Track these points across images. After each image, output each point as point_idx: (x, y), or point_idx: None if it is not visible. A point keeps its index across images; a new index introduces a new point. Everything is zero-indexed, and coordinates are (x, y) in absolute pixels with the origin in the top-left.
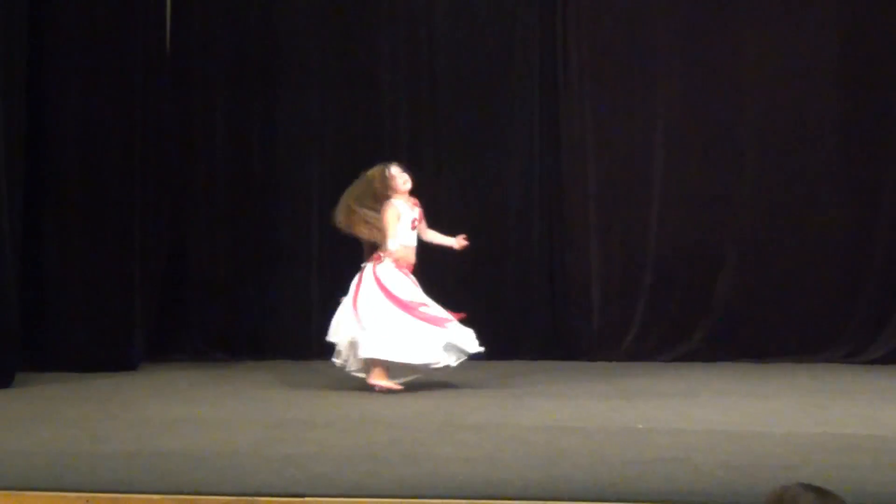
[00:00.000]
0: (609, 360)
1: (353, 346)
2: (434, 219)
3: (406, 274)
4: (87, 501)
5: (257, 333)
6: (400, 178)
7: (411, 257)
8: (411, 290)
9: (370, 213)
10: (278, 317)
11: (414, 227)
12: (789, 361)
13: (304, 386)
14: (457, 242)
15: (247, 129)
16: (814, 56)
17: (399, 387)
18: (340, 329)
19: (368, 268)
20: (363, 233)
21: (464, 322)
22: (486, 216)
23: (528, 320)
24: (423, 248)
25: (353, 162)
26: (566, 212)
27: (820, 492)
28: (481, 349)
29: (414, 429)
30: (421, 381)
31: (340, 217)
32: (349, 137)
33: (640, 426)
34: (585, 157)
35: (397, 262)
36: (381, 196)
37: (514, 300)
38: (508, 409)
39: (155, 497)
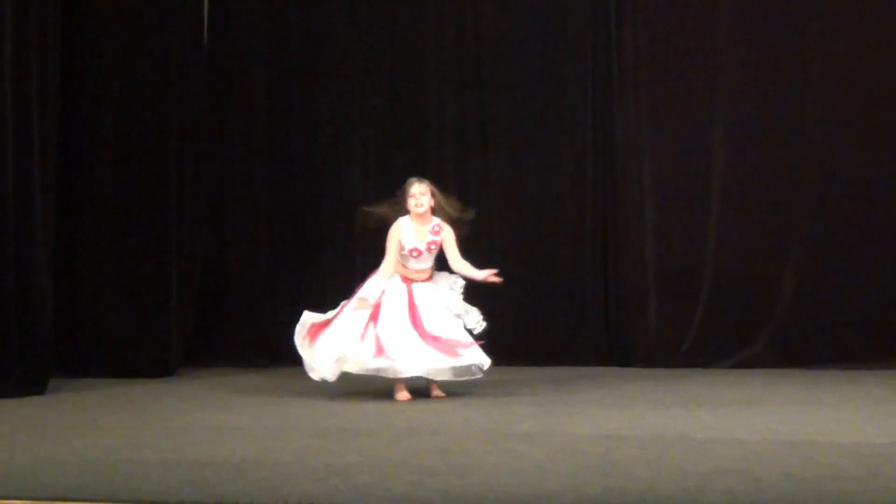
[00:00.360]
0: (666, 366)
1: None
2: (483, 223)
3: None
4: None
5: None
6: (413, 199)
7: (408, 274)
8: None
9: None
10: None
11: (416, 257)
12: (856, 368)
13: (347, 393)
14: (486, 276)
15: (287, 127)
16: (885, 49)
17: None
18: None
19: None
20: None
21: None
22: (537, 218)
23: (582, 324)
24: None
25: (397, 163)
26: (621, 212)
27: None
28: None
29: (461, 438)
30: (467, 388)
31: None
32: (393, 137)
33: (699, 436)
34: (641, 154)
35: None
36: (397, 210)
37: (567, 304)
38: (560, 417)
39: None
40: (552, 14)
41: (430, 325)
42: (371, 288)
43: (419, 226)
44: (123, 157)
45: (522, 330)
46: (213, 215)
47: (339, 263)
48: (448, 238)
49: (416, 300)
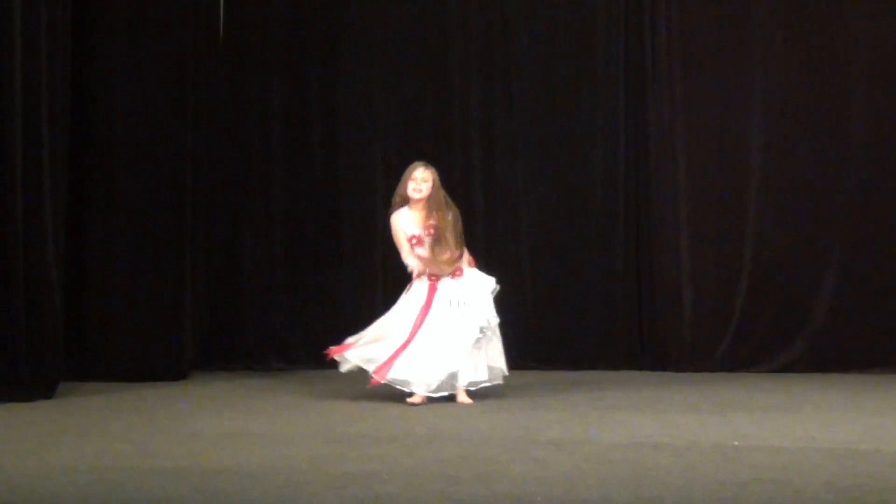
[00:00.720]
0: (701, 370)
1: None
2: (510, 219)
3: (430, 290)
4: None
5: (317, 340)
6: (413, 182)
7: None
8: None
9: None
10: (340, 322)
11: (418, 244)
12: None
13: (367, 398)
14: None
15: (305, 120)
16: None
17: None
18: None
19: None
20: None
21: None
22: (566, 214)
23: (613, 326)
24: (495, 243)
25: (420, 157)
26: (654, 209)
27: None
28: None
29: (486, 445)
30: (493, 393)
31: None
32: (416, 130)
33: (736, 443)
34: (675, 149)
35: (429, 276)
36: (401, 199)
37: (598, 305)
38: (590, 423)
39: None
40: (583, 2)
41: (434, 331)
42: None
43: (417, 212)
44: (136, 153)
45: (551, 332)
46: (229, 213)
47: (359, 262)
48: (447, 223)
49: (435, 303)
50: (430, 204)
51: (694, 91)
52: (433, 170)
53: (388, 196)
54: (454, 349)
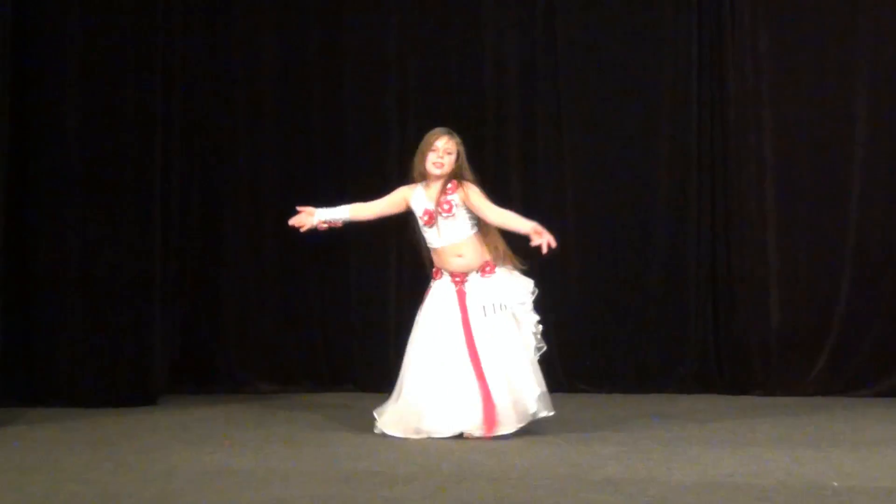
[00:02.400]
0: (791, 394)
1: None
2: (554, 209)
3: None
4: None
5: (315, 357)
6: (434, 153)
7: (450, 264)
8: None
9: None
10: (345, 335)
11: (430, 223)
12: None
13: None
14: (533, 232)
15: (303, 83)
16: None
17: None
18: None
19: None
20: None
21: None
22: (623, 202)
23: (682, 340)
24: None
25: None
26: (734, 197)
27: None
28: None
29: (528, 486)
30: (537, 422)
31: None
32: (438, 96)
33: (836, 484)
34: (760, 122)
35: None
36: (419, 176)
37: (666, 316)
38: (655, 459)
39: None
40: None
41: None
42: (327, 214)
43: (433, 189)
44: (92, 128)
45: (606, 348)
46: (208, 202)
47: (368, 264)
48: (473, 194)
49: (470, 313)
50: (452, 178)
51: (784, 46)
52: (458, 140)
53: (403, 180)
54: (521, 367)
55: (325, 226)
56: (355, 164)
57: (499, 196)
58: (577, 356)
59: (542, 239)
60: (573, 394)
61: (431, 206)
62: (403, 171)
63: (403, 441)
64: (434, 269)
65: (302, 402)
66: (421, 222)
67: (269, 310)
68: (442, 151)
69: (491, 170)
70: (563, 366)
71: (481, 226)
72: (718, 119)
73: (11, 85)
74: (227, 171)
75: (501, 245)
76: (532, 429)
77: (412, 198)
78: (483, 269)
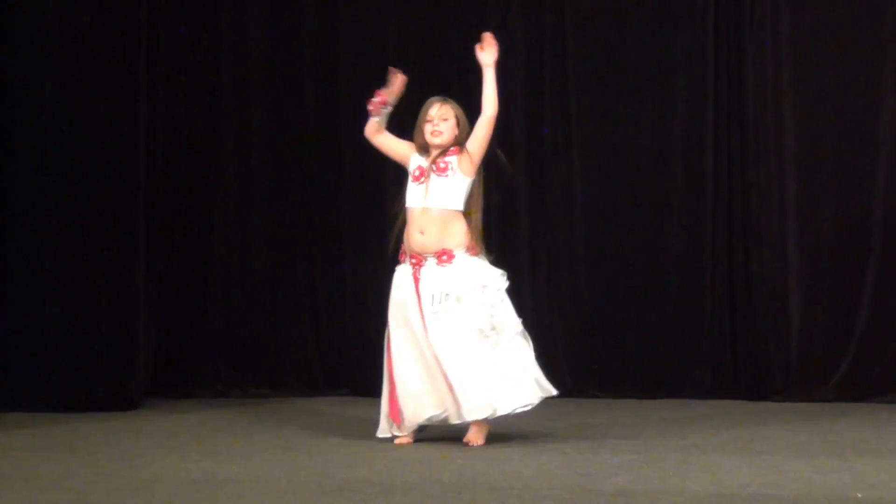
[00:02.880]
0: (812, 400)
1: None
2: (562, 202)
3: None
4: None
5: (308, 359)
6: (430, 124)
7: (411, 238)
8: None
9: None
10: (339, 335)
11: (418, 179)
12: None
13: (373, 432)
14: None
15: (295, 65)
16: None
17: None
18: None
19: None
20: None
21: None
22: (638, 205)
23: (698, 343)
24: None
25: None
26: (753, 189)
27: None
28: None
29: (533, 497)
30: (544, 429)
31: None
32: (439, 78)
33: (860, 495)
34: (781, 109)
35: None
36: (418, 148)
37: (680, 317)
38: (668, 468)
39: None
40: None
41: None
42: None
43: (433, 155)
44: (71, 115)
45: (618, 351)
46: (194, 192)
47: (365, 257)
48: (469, 143)
49: (422, 296)
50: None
51: (807, 29)
52: (454, 104)
53: (401, 180)
54: (451, 367)
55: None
56: (351, 161)
57: (502, 192)
58: (587, 360)
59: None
60: (582, 399)
61: (426, 164)
62: (402, 169)
63: (401, 448)
64: (400, 251)
65: (293, 406)
66: (411, 178)
67: (258, 310)
68: (437, 119)
69: (496, 167)
70: (571, 371)
71: (467, 214)
72: (736, 111)
73: None
74: (214, 166)
75: (469, 238)
76: (537, 436)
77: (412, 156)
78: (440, 257)
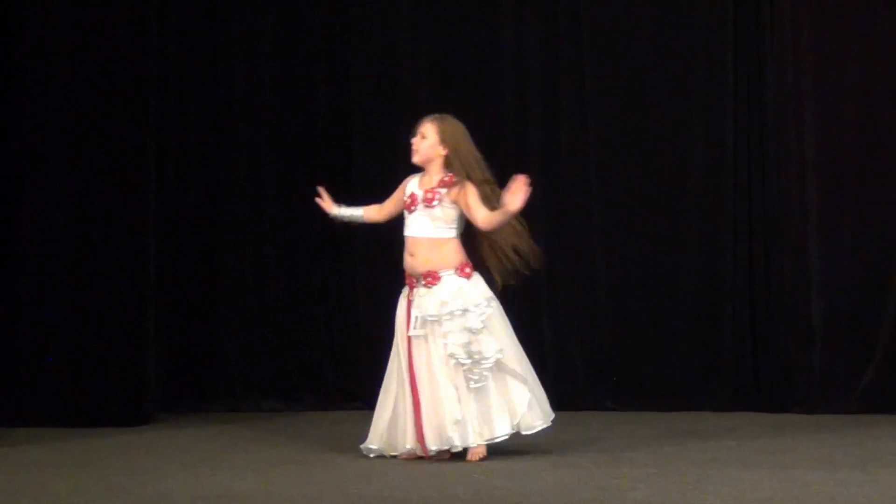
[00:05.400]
0: (835, 412)
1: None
2: (578, 209)
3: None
4: None
5: (321, 373)
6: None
7: (404, 261)
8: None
9: None
10: (354, 349)
11: (409, 208)
12: None
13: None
14: (515, 189)
15: (307, 83)
16: None
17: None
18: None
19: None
20: None
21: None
22: (656, 210)
23: (717, 353)
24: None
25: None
26: (773, 193)
27: None
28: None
29: None
30: (562, 442)
31: None
32: (452, 86)
33: None
34: (801, 112)
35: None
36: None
37: (697, 324)
38: (687, 481)
39: None
40: None
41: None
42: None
43: (428, 178)
44: (80, 122)
45: (635, 362)
46: (205, 202)
47: (380, 268)
48: (471, 194)
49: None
50: (445, 165)
51: (828, 33)
52: (439, 123)
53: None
54: (422, 392)
55: (339, 221)
56: (363, 163)
57: None
58: (603, 371)
59: (520, 184)
60: (599, 412)
61: (419, 192)
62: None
63: (417, 463)
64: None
65: (306, 420)
66: (404, 206)
67: (271, 322)
68: (418, 136)
69: (511, 168)
70: (588, 381)
71: (471, 236)
72: (756, 114)
73: None
74: (224, 172)
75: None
76: (555, 449)
77: (409, 184)
78: (426, 278)
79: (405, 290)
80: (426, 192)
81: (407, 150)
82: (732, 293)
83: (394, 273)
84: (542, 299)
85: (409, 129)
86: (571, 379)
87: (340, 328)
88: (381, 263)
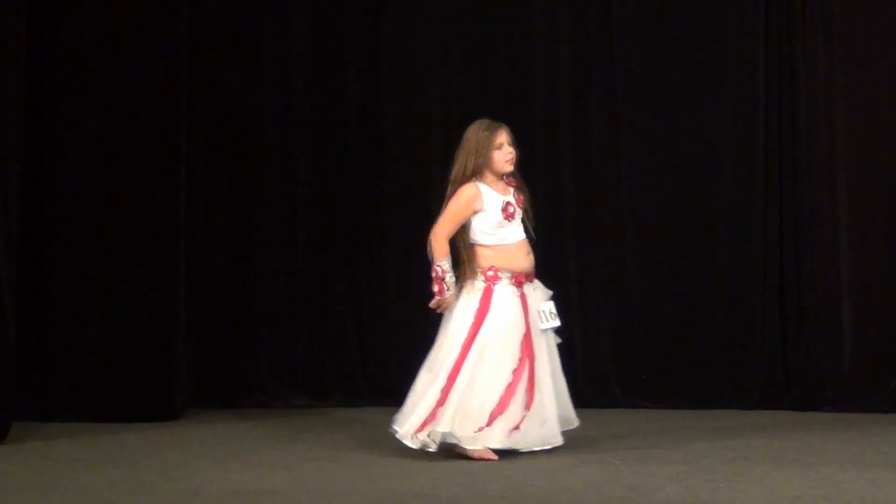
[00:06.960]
0: (866, 410)
1: None
2: (609, 209)
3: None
4: None
5: (353, 369)
6: (500, 151)
7: (528, 261)
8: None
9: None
10: (380, 347)
11: (511, 216)
12: None
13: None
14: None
15: (338, 85)
16: None
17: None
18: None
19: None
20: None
21: None
22: (687, 211)
23: (747, 352)
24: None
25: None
26: (804, 192)
27: None
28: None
29: None
30: (591, 440)
31: None
32: (485, 90)
33: None
34: (832, 114)
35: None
36: (472, 174)
37: (727, 323)
38: (717, 480)
39: None
40: None
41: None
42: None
43: (500, 185)
44: (113, 135)
45: (665, 360)
46: (236, 200)
47: (407, 272)
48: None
49: (531, 318)
50: (513, 179)
51: (859, 33)
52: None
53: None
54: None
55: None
56: (395, 165)
57: (550, 201)
58: (634, 369)
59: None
60: (629, 409)
61: (510, 199)
62: (446, 172)
63: (447, 460)
64: (489, 270)
65: (336, 417)
66: (501, 215)
67: (301, 318)
68: (509, 145)
69: (542, 172)
70: (617, 379)
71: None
72: (787, 115)
73: (27, 85)
74: (256, 171)
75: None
76: (584, 447)
77: (483, 193)
78: (529, 277)
79: (513, 289)
80: (516, 199)
81: (436, 151)
82: (763, 292)
83: (424, 272)
84: (573, 299)
85: (440, 136)
86: (601, 377)
87: (371, 325)
88: (411, 263)
